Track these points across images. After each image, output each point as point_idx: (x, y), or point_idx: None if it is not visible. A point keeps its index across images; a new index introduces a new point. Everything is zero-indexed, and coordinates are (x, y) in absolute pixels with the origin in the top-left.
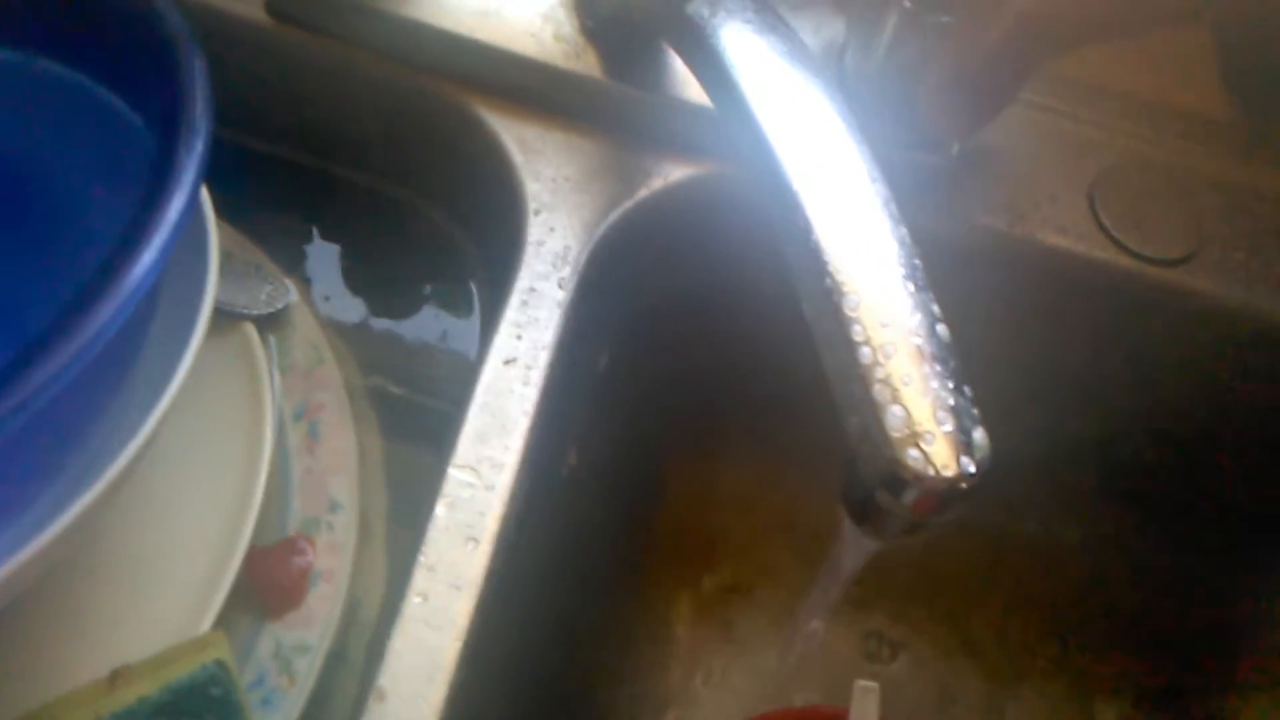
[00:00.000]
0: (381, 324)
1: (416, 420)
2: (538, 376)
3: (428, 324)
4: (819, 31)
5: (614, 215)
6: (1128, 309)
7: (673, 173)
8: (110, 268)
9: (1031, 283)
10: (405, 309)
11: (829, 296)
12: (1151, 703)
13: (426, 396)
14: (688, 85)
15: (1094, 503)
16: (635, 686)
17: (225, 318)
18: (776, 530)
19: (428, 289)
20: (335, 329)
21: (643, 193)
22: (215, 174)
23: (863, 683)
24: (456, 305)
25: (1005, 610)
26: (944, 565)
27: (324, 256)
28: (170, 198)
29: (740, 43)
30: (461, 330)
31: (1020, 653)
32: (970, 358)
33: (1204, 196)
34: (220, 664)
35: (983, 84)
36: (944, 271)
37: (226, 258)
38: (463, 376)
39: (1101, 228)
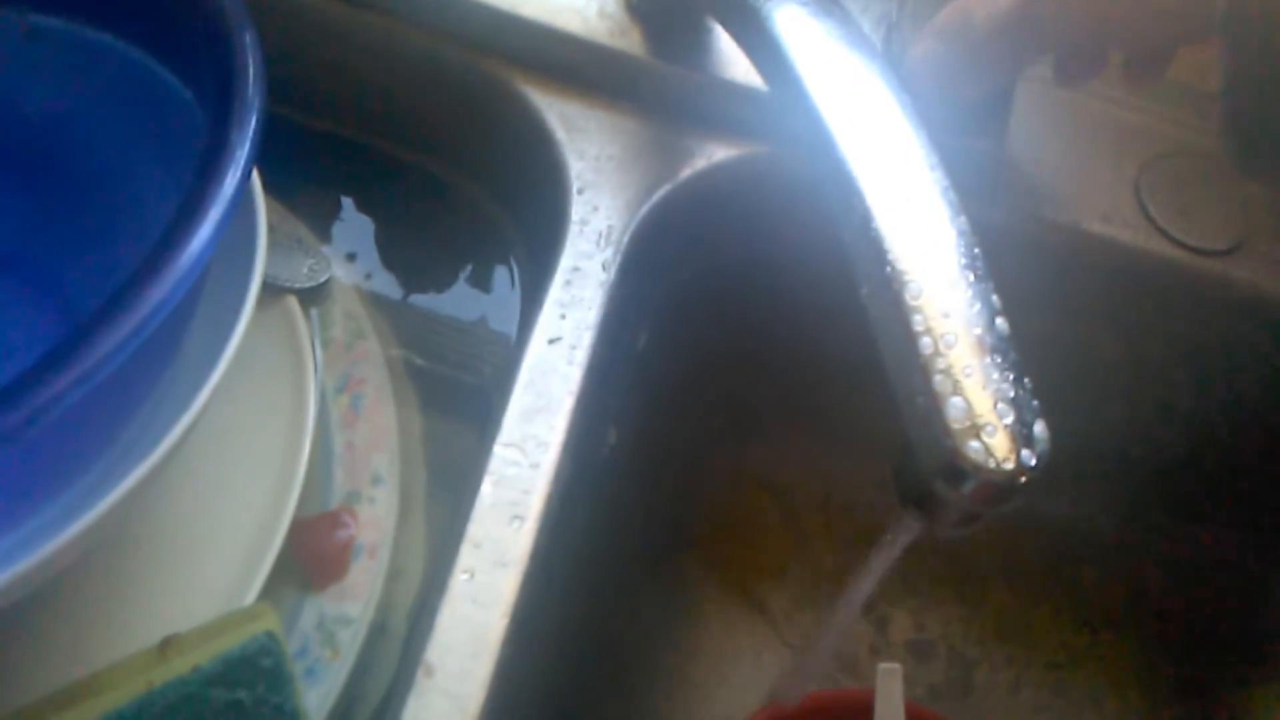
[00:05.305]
0: (419, 300)
1: (453, 397)
2: (582, 356)
3: (465, 301)
4: (866, 10)
5: (657, 195)
6: (1171, 299)
7: (716, 153)
8: (166, 245)
9: (1074, 270)
10: (442, 287)
11: (889, 285)
12: (1177, 694)
13: (464, 373)
14: (733, 65)
15: (1127, 492)
16: (670, 663)
17: (267, 291)
18: (811, 512)
19: (468, 267)
20: (373, 305)
21: (686, 173)
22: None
23: (885, 665)
24: (495, 283)
25: (1033, 597)
26: (972, 550)
27: (362, 231)
28: (224, 175)
29: (795, 24)
30: (499, 309)
31: (1047, 640)
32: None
33: (1251, 188)
34: (270, 635)
35: (980, 53)
36: (986, 257)
37: (269, 231)
38: (500, 354)
39: (1147, 217)
